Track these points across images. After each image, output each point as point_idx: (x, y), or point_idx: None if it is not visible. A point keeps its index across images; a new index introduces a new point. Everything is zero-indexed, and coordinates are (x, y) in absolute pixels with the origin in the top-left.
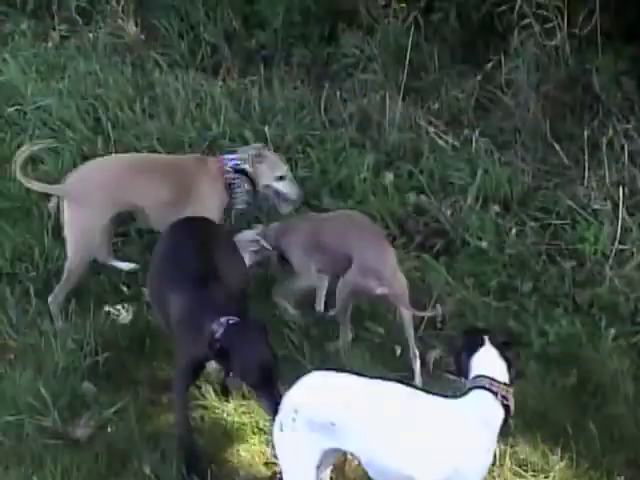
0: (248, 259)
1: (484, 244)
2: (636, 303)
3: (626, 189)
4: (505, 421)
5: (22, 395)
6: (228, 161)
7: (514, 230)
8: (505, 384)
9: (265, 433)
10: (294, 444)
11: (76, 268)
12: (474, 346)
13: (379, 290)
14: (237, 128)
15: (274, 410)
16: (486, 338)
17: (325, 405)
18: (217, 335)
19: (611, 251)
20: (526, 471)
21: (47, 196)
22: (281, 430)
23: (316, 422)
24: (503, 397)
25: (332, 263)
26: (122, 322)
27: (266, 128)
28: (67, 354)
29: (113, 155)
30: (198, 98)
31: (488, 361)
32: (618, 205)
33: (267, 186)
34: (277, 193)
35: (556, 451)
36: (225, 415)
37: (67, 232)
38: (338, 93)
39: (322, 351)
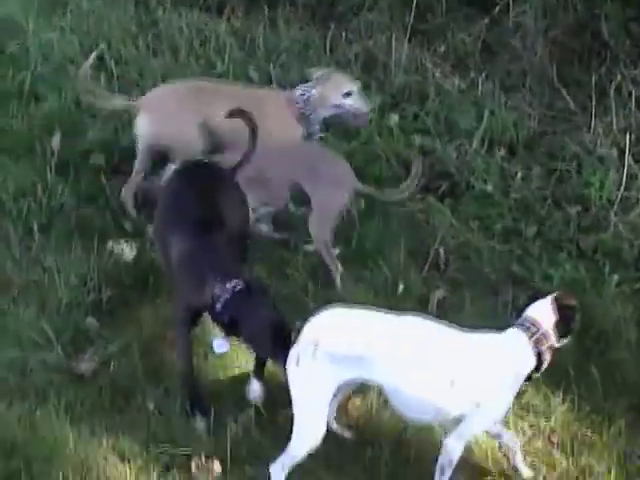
0: None
1: (489, 187)
2: None
3: (633, 136)
4: (536, 370)
5: (25, 331)
6: (297, 91)
7: (520, 174)
8: (545, 335)
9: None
10: (311, 377)
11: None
12: (536, 299)
13: None
14: (241, 66)
15: None
16: (551, 295)
17: (351, 338)
18: (221, 302)
19: (616, 197)
20: (528, 413)
21: (49, 133)
22: (297, 364)
23: (338, 355)
24: (537, 342)
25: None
26: (125, 259)
27: (271, 67)
28: (70, 290)
29: (192, 79)
30: (202, 36)
31: (541, 310)
32: (624, 152)
33: (337, 105)
34: (348, 110)
35: (558, 394)
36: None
37: (140, 144)
38: (344, 34)
39: (326, 290)
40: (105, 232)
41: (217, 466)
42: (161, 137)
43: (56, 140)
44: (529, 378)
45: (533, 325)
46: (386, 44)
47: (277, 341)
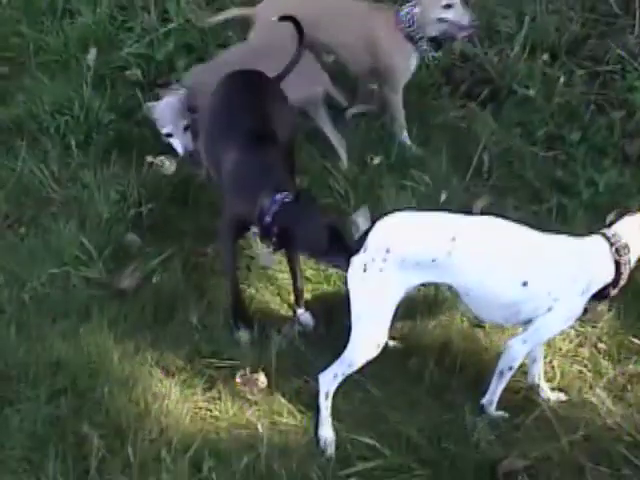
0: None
1: (531, 92)
2: None
3: None
4: (613, 285)
5: (66, 247)
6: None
7: (562, 79)
8: (627, 248)
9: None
10: (381, 284)
11: None
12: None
13: None
14: None
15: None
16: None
17: (424, 242)
18: (270, 215)
19: None
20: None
21: (85, 48)
22: (364, 271)
23: (412, 260)
24: (617, 252)
25: None
26: (165, 173)
27: None
28: (110, 206)
29: None
30: None
31: (627, 224)
32: None
33: (440, 19)
34: (452, 23)
35: (604, 301)
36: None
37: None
38: None
39: (367, 200)
40: (144, 147)
41: (262, 378)
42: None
43: (92, 55)
44: (606, 296)
45: (615, 236)
46: None
47: (334, 243)
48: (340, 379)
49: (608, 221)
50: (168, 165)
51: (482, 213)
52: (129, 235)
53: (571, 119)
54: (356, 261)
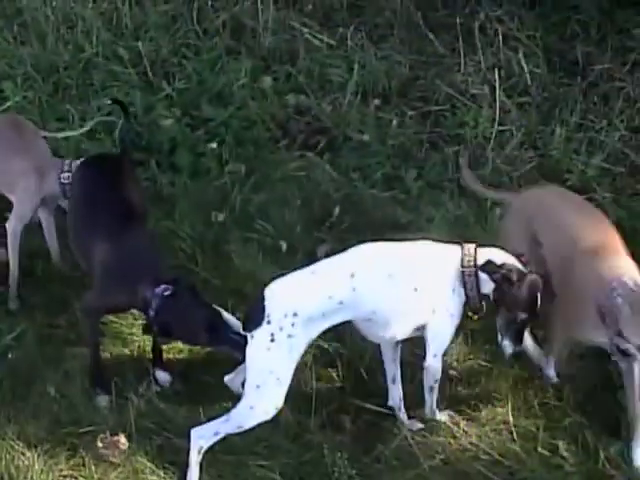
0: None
1: (366, 137)
2: (519, 181)
3: (502, 72)
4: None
5: None
6: None
7: (395, 121)
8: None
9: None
10: (290, 349)
11: None
12: None
13: None
14: (110, 47)
15: (243, 351)
16: None
17: (329, 290)
18: (153, 309)
19: (491, 133)
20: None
21: None
22: (272, 341)
23: (318, 314)
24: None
25: None
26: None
27: (140, 44)
28: None
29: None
30: (69, 21)
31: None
32: (495, 88)
33: None
34: None
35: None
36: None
37: None
38: (210, 2)
39: (213, 257)
40: None
41: (123, 440)
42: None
43: None
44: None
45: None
46: (252, 8)
47: (214, 333)
48: (220, 437)
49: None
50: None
51: (327, 257)
52: None
53: (406, 159)
54: (259, 334)
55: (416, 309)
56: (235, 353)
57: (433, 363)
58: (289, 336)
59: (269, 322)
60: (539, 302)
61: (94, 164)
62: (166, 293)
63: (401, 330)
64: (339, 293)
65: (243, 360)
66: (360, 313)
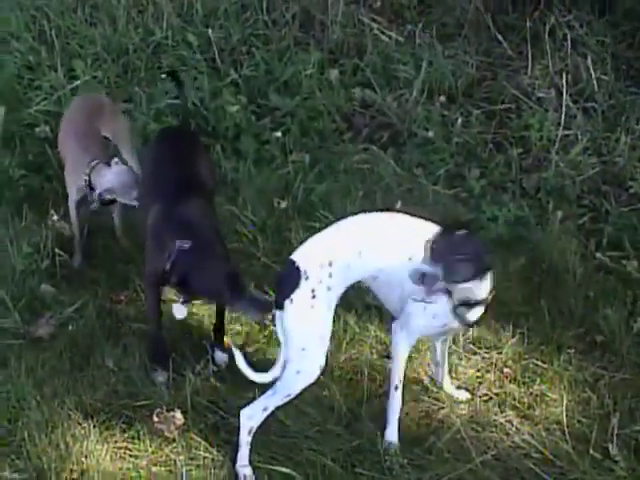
0: None
1: (431, 134)
2: (581, 186)
3: (569, 77)
4: None
5: None
6: None
7: (460, 120)
8: None
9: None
10: (329, 303)
11: None
12: None
13: None
14: (180, 32)
15: (262, 310)
16: None
17: (351, 242)
18: (169, 263)
19: (556, 137)
20: (479, 348)
21: None
22: (313, 297)
23: (345, 263)
24: None
25: None
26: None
27: (210, 31)
28: (23, 258)
29: None
30: (140, 5)
31: None
32: (562, 92)
33: None
34: None
35: (508, 328)
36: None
37: None
38: None
39: (275, 243)
40: (55, 201)
41: (179, 416)
42: None
43: (0, 114)
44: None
45: None
46: (322, 2)
47: (235, 291)
48: (269, 411)
49: None
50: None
51: None
52: (43, 286)
53: (470, 158)
54: (299, 295)
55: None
56: (255, 313)
57: (398, 331)
58: (328, 289)
59: (307, 278)
60: None
61: (168, 133)
62: (183, 247)
63: (398, 299)
64: (360, 246)
65: (262, 321)
66: (367, 274)
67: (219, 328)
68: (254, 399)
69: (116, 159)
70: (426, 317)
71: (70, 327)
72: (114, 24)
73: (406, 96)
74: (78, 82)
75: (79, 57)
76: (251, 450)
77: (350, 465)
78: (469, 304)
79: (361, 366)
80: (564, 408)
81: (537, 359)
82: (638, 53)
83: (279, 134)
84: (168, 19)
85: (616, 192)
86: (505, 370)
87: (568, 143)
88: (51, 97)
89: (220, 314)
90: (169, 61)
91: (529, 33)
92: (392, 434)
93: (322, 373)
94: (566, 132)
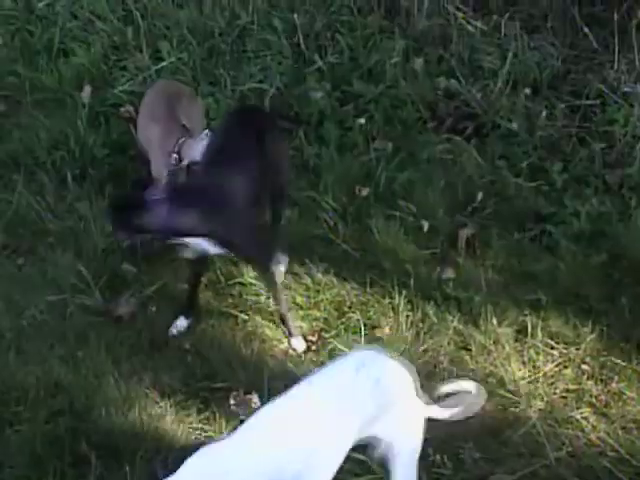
0: None
1: (514, 126)
2: None
3: None
4: None
5: (64, 276)
6: None
7: (544, 113)
8: None
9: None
10: None
11: None
12: None
13: None
14: (266, 17)
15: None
16: None
17: None
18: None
19: None
20: (558, 343)
21: (79, 86)
22: None
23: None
24: None
25: None
26: None
27: (295, 16)
28: (106, 236)
29: None
30: None
31: None
32: None
33: None
34: None
35: (587, 324)
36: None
37: None
38: None
39: (355, 230)
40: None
41: (255, 399)
42: None
43: (86, 93)
44: None
45: None
46: None
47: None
48: None
49: None
50: None
51: (467, 241)
52: (125, 264)
53: (553, 151)
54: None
55: None
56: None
57: None
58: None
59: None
60: None
61: (245, 111)
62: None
63: None
64: None
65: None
66: None
67: (280, 315)
68: None
69: (207, 131)
70: None
71: (150, 307)
72: (200, 6)
73: (490, 87)
74: (164, 63)
75: (165, 39)
76: None
77: (425, 454)
78: None
79: (440, 357)
80: None
81: (616, 356)
82: None
83: (363, 121)
84: (254, 3)
85: None
86: (583, 366)
87: None
88: (136, 78)
89: (275, 301)
90: (254, 44)
91: (616, 26)
92: None
93: None
94: None
